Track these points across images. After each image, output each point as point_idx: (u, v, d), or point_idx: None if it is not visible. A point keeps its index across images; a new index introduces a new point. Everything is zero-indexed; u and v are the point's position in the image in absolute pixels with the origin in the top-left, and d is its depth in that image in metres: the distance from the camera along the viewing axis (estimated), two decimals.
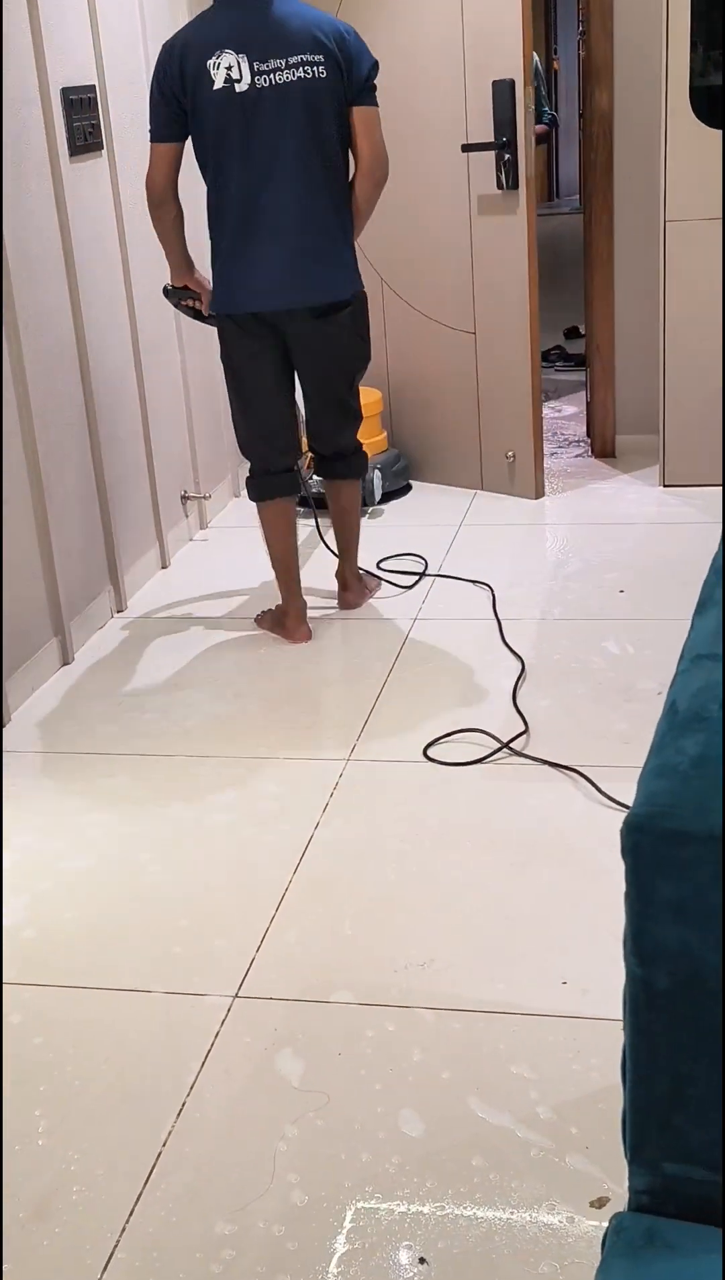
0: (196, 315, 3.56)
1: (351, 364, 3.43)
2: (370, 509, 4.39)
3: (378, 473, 4.45)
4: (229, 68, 3.10)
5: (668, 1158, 1.08)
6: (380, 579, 3.84)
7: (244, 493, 4.72)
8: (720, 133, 4.06)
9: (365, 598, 3.72)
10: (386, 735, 2.98)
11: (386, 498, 4.54)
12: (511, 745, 2.86)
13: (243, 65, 3.10)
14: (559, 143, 12.06)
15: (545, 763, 2.79)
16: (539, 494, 4.46)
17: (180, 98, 3.16)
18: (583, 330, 4.99)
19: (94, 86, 3.54)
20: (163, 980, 2.21)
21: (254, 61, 3.10)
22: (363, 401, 3.60)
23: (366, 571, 3.82)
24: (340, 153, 3.26)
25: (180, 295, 3.53)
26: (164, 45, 3.20)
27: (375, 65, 3.24)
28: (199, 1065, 2.01)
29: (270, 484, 3.49)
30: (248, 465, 3.54)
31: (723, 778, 1.00)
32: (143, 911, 2.42)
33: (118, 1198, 1.78)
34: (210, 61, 3.10)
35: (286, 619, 3.55)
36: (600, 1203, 1.70)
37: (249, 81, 3.11)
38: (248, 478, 3.55)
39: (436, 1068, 1.96)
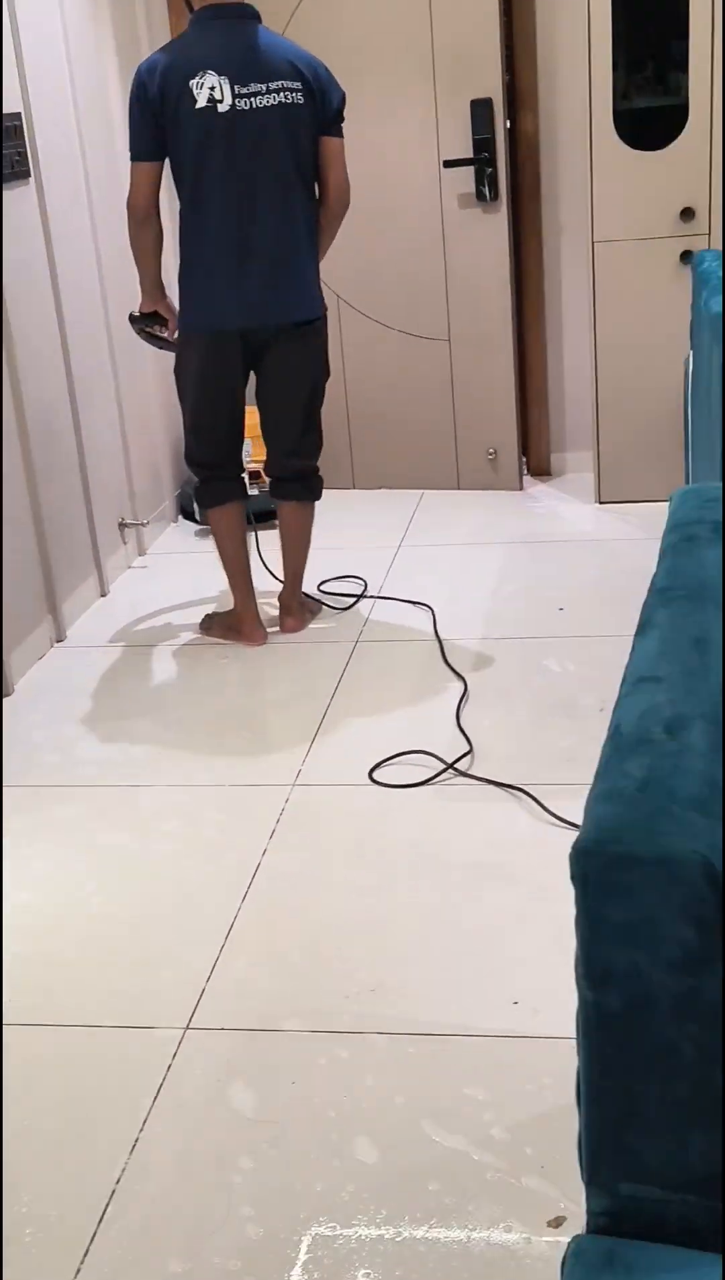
0: (161, 343, 3.52)
1: (319, 374, 3.51)
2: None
3: None
4: (211, 88, 3.15)
5: (624, 1179, 1.08)
6: (322, 603, 3.84)
7: (180, 520, 4.76)
8: (644, 155, 4.13)
9: (306, 622, 3.72)
10: (331, 759, 2.98)
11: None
12: (456, 766, 2.88)
13: (225, 86, 3.16)
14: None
15: (490, 782, 2.80)
16: (521, 486, 4.76)
17: (160, 116, 3.19)
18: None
19: (20, 114, 3.52)
20: (112, 1014, 2.19)
21: (235, 84, 3.16)
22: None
23: (307, 595, 3.82)
24: (313, 178, 3.34)
25: (147, 322, 3.49)
26: (142, 65, 3.23)
27: (344, 97, 3.34)
28: (151, 1100, 1.99)
29: (225, 489, 3.57)
30: (194, 481, 3.61)
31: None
32: (89, 944, 2.39)
33: (72, 1238, 1.76)
34: (193, 81, 3.15)
35: (242, 623, 3.61)
36: (557, 1222, 1.71)
37: (230, 103, 3.17)
38: (198, 487, 3.62)
39: (390, 1093, 1.96)
